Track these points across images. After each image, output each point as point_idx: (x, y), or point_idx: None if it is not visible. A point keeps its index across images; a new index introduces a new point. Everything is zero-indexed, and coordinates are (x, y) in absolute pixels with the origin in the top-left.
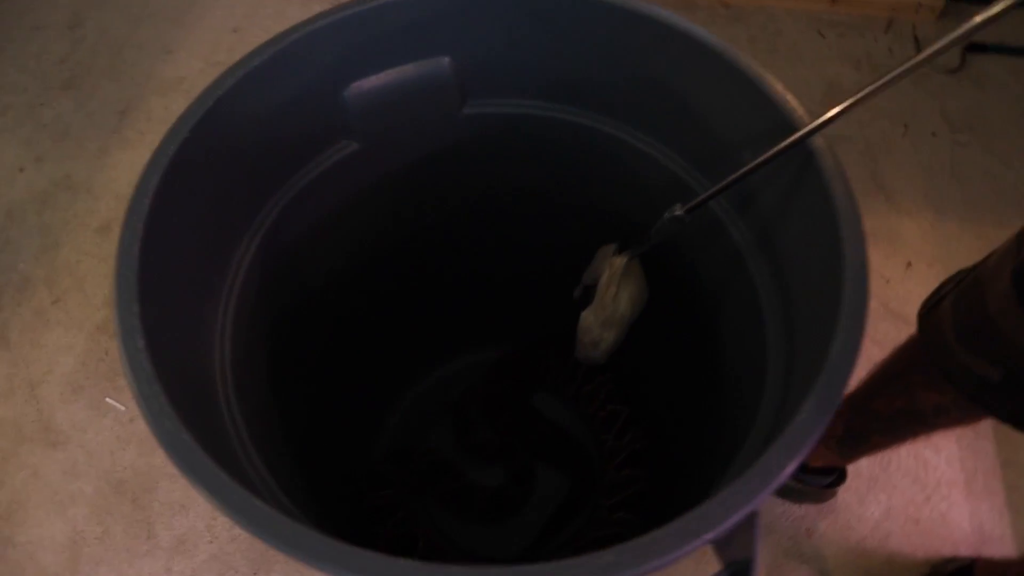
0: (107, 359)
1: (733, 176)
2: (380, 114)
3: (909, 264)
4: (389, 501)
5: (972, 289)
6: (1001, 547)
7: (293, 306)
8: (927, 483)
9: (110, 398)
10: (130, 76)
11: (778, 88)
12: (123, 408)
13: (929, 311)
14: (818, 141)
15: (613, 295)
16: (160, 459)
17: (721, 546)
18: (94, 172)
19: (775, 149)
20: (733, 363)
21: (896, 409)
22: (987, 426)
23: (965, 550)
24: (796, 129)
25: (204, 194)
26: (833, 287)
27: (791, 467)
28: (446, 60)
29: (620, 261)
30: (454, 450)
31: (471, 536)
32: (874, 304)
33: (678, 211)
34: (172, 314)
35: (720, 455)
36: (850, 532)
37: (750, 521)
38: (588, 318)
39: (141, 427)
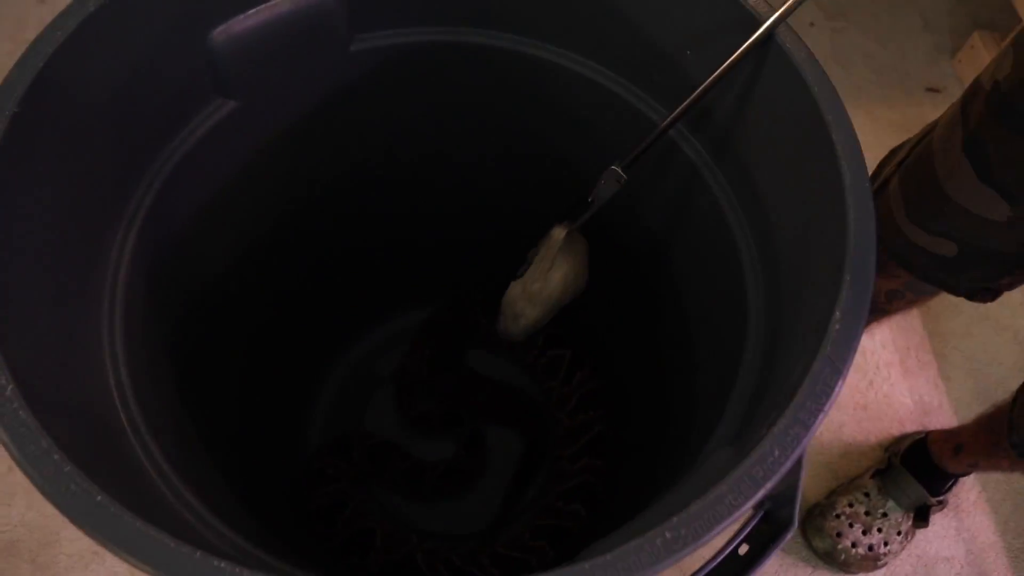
0: None
1: (687, 101)
2: (256, 62)
3: None
4: (334, 499)
5: (920, 165)
6: (941, 416)
7: (192, 302)
8: (867, 369)
9: None
10: None
11: None
12: None
13: (873, 196)
14: (780, 28)
15: (546, 271)
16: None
17: None
18: None
19: (745, 46)
20: (697, 288)
21: None
22: None
23: (911, 426)
24: (753, 19)
25: (54, 185)
26: (825, 178)
27: (840, 384)
28: None
29: (559, 233)
30: (394, 429)
31: (431, 517)
32: None
33: (616, 168)
34: (42, 342)
35: (696, 388)
36: None
37: None
38: (515, 289)
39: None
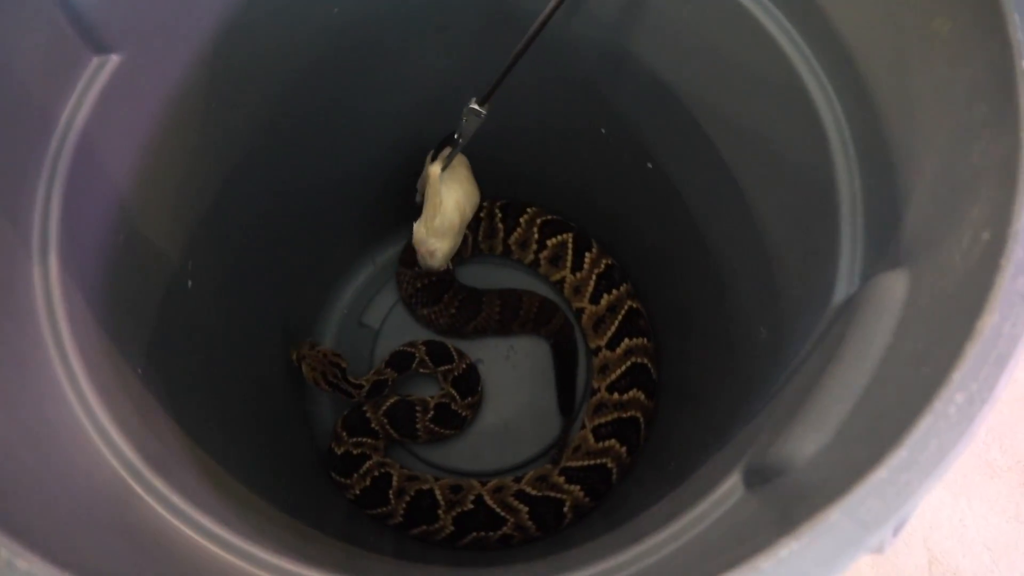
0: None
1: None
2: None
3: None
4: (375, 476)
5: None
6: None
7: (154, 311)
8: None
9: None
10: None
11: None
12: None
13: None
14: None
15: (438, 206)
16: None
17: None
18: None
19: None
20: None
21: None
22: None
23: None
24: None
25: None
26: None
27: None
28: None
29: (435, 170)
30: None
31: (487, 454)
32: None
33: (474, 105)
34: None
35: (762, 230)
36: None
37: None
38: (420, 230)
39: None
